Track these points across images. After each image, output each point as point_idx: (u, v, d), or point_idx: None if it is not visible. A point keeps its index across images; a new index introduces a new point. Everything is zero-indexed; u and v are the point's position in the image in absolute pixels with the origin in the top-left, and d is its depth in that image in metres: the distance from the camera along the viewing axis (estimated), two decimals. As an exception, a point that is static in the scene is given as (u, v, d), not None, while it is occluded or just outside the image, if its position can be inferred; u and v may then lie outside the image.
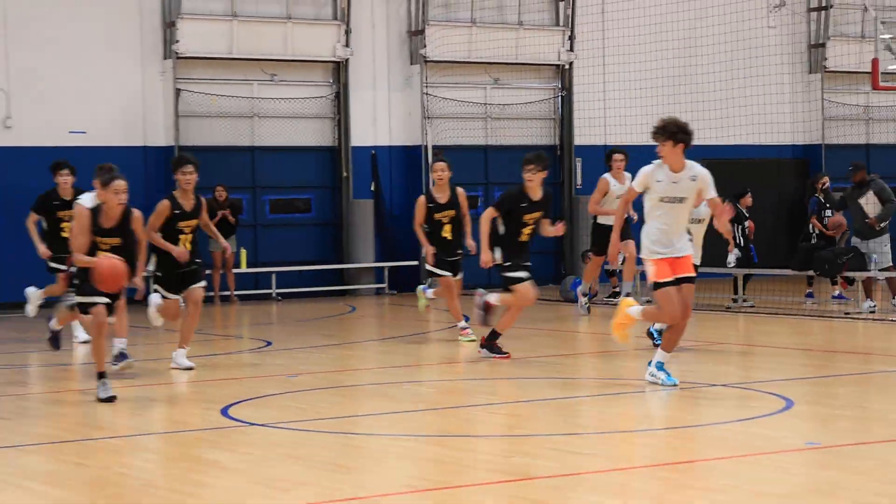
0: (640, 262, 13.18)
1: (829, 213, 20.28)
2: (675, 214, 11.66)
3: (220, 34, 23.26)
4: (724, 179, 15.61)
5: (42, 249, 16.27)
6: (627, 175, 17.56)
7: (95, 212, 12.03)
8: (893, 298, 18.64)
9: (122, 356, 13.28)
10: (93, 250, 11.84)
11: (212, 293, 21.55)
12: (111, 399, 11.49)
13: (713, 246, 15.87)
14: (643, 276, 13.93)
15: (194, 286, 13.73)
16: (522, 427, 10.63)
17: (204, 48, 23.03)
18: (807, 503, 7.60)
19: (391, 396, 12.21)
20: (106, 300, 11.74)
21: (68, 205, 15.79)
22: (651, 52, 25.16)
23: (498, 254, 14.19)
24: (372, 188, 24.68)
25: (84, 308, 12.00)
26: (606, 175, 18.23)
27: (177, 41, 22.61)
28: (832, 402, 11.07)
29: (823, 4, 26.98)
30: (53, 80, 22.08)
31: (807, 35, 27.19)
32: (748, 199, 20.44)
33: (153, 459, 9.48)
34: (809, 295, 20.57)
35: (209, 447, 9.84)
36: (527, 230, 14.18)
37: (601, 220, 18.10)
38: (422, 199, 16.23)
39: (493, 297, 14.34)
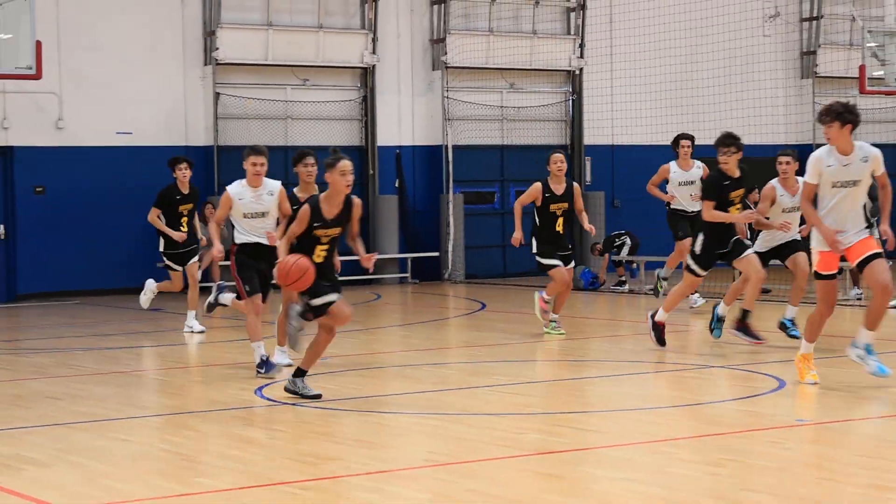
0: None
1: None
2: (848, 200, 10.45)
3: (257, 42, 23.25)
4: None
5: (178, 234, 15.81)
6: (695, 162, 16.96)
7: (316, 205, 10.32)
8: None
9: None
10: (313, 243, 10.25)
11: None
12: (317, 397, 10.43)
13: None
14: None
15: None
16: (535, 406, 10.62)
17: (242, 55, 23.02)
18: (797, 475, 7.59)
19: (414, 377, 12.18)
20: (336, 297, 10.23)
21: (188, 198, 15.90)
22: (655, 59, 25.12)
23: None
24: (396, 185, 24.69)
25: (319, 311, 10.26)
26: (672, 163, 16.90)
27: (216, 48, 22.59)
28: (822, 382, 11.01)
29: (814, 15, 26.92)
30: (102, 83, 22.08)
31: (799, 43, 27.13)
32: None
33: (193, 436, 9.47)
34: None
35: (244, 425, 9.85)
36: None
37: (675, 205, 16.81)
38: (538, 184, 14.64)
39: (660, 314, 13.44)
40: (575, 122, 25.74)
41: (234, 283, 12.43)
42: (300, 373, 10.44)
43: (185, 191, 15.94)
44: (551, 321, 14.91)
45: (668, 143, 17.38)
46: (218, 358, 13.93)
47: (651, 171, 17.06)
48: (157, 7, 22.67)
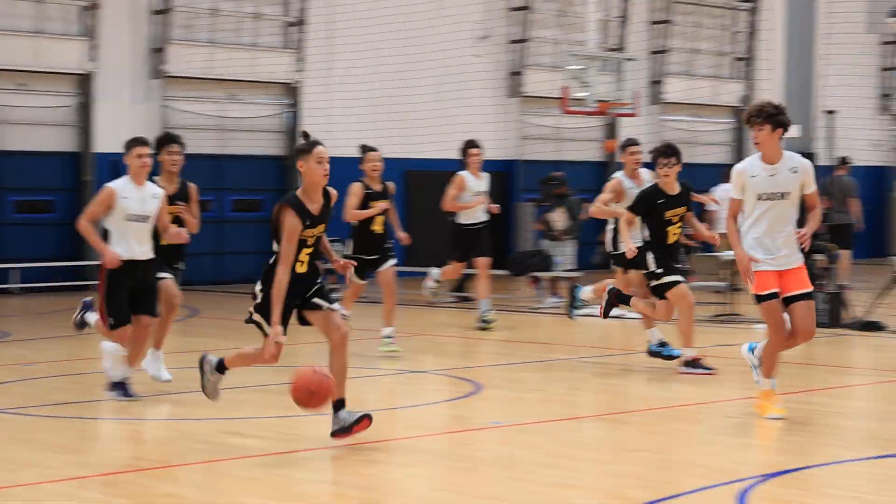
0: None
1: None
2: (776, 214, 9.14)
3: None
4: (438, 189, 15.83)
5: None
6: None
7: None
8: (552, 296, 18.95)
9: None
10: None
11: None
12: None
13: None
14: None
15: None
16: (246, 410, 10.45)
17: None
18: (486, 475, 7.71)
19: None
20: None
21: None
22: (371, 74, 25.32)
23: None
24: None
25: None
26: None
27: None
28: (517, 386, 11.24)
29: (521, 38, 27.58)
30: None
31: (507, 64, 27.73)
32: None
33: None
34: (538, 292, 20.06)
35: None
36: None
37: (464, 218, 15.44)
38: (357, 185, 13.16)
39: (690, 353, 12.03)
40: (293, 133, 25.63)
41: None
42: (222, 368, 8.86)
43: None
44: (385, 337, 13.41)
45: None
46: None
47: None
48: None
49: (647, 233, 12.01)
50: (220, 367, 8.82)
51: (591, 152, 28.13)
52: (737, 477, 7.43)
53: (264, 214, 23.00)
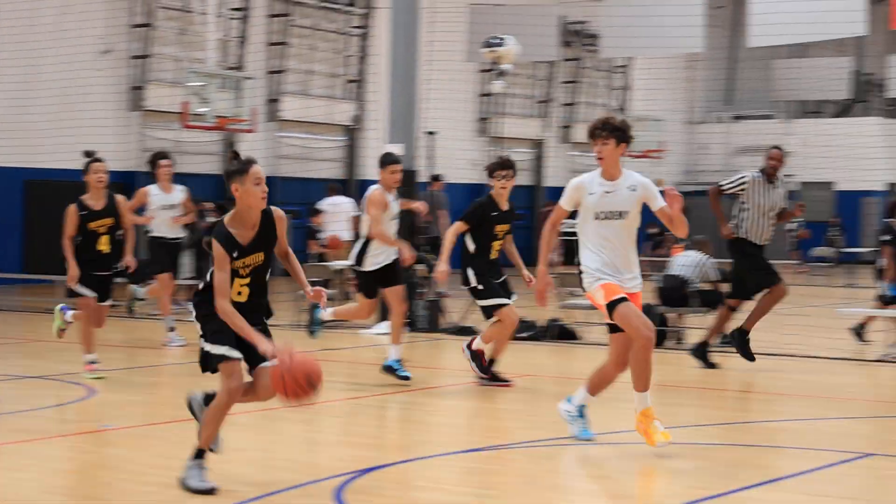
0: None
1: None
2: (614, 233, 8.24)
3: None
4: (59, 199, 15.03)
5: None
6: (177, 186, 14.56)
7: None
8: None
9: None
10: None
11: None
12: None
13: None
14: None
15: None
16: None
17: None
18: (89, 477, 7.57)
19: None
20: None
21: None
22: None
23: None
24: None
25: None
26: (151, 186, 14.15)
27: None
28: (126, 390, 11.06)
29: (144, 53, 27.09)
30: None
31: (129, 78, 27.16)
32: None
33: None
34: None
35: None
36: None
37: (155, 231, 14.38)
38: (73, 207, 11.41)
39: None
40: None
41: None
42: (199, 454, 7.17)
43: None
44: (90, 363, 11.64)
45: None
46: None
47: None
48: None
49: (472, 246, 11.21)
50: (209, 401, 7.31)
51: (210, 165, 27.95)
52: (334, 473, 7.57)
53: None
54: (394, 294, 11.36)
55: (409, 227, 16.46)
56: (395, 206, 11.45)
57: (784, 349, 14.11)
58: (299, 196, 27.25)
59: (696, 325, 14.50)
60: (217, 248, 6.93)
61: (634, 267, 8.28)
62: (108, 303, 11.59)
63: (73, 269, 11.23)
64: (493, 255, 11.24)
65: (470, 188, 30.65)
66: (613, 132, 8.19)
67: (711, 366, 12.77)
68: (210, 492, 6.91)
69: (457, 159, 30.06)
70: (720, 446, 8.75)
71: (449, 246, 11.20)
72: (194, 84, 23.09)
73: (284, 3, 29.67)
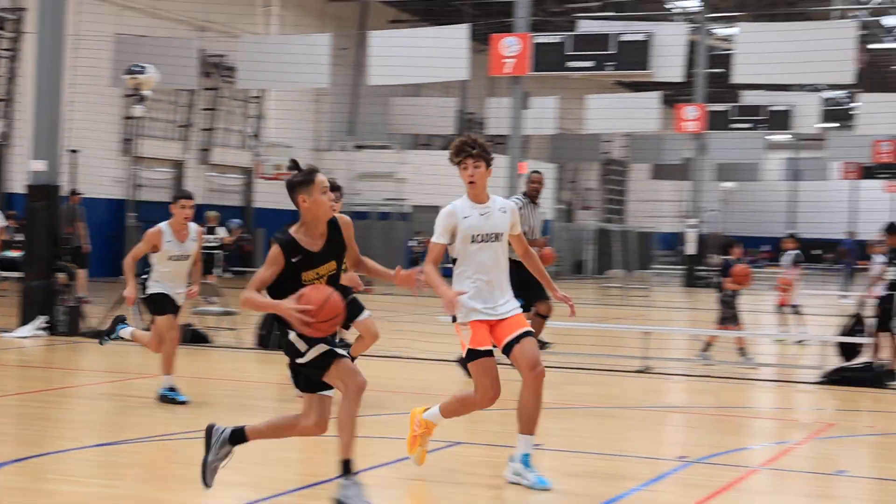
0: None
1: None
2: (492, 257, 7.38)
3: None
4: None
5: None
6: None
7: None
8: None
9: None
10: None
11: None
12: None
13: None
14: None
15: None
16: None
17: None
18: None
19: None
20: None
21: None
22: None
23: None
24: None
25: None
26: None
27: None
28: None
29: None
30: None
31: None
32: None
33: None
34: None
35: None
36: None
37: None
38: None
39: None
40: None
41: None
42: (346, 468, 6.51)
43: None
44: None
45: None
46: None
47: None
48: None
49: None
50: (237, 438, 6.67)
51: None
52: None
53: None
54: (164, 322, 10.49)
55: (54, 238, 16.12)
56: (176, 247, 10.50)
57: (393, 351, 14.64)
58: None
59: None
60: (275, 250, 6.34)
61: (508, 290, 7.43)
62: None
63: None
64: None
65: (114, 203, 30.05)
66: (485, 154, 7.32)
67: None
68: None
69: (102, 176, 29.43)
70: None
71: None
72: None
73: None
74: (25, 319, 15.87)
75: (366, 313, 10.49)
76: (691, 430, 10.43)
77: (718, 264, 16.34)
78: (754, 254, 51.54)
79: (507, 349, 7.29)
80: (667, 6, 40.84)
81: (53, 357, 13.09)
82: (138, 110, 19.44)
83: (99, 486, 7.27)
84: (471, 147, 7.28)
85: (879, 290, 14.18)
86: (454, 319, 7.33)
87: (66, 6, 17.08)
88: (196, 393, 10.78)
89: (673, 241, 47.63)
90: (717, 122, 33.58)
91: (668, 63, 26.66)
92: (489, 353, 7.25)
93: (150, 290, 10.54)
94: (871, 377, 12.91)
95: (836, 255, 44.81)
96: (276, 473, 7.67)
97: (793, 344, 18.15)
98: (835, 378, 13.30)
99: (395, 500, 7.36)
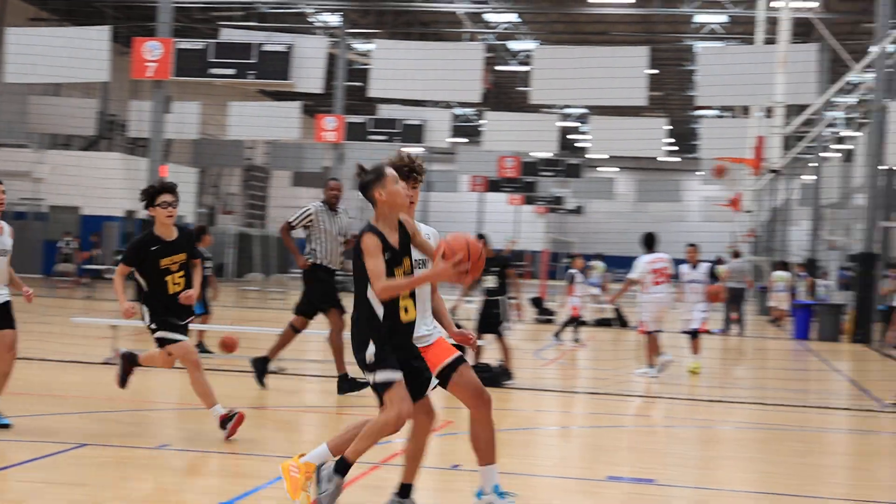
0: None
1: None
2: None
3: None
4: None
5: None
6: None
7: None
8: None
9: None
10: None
11: None
12: None
13: None
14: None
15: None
16: None
17: None
18: None
19: None
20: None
21: None
22: None
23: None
24: None
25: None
26: None
27: None
28: None
29: None
30: None
31: None
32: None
33: None
34: None
35: None
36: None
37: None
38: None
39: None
40: None
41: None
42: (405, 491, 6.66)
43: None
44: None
45: None
46: None
47: None
48: None
49: (144, 283, 9.35)
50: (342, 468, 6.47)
51: None
52: None
53: None
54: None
55: None
56: None
57: (24, 353, 14.15)
58: None
59: None
60: (372, 238, 6.18)
61: (430, 317, 6.85)
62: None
63: None
64: (172, 289, 9.34)
65: None
66: (422, 176, 6.91)
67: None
68: None
69: None
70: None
71: (119, 289, 9.25)
72: None
73: None
74: None
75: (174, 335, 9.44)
76: (323, 429, 10.74)
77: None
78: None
79: (445, 377, 6.87)
80: (309, 20, 41.39)
81: None
82: None
83: None
84: (415, 172, 6.85)
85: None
86: None
87: None
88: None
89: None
90: (356, 133, 34.36)
91: (309, 74, 27.16)
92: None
93: None
94: (490, 377, 13.71)
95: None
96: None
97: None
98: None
99: None
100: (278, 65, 26.32)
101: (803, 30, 35.79)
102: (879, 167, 26.41)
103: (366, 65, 33.70)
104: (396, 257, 6.32)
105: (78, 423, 9.77)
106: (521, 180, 46.22)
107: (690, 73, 44.11)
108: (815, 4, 31.93)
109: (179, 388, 12.54)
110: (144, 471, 8.03)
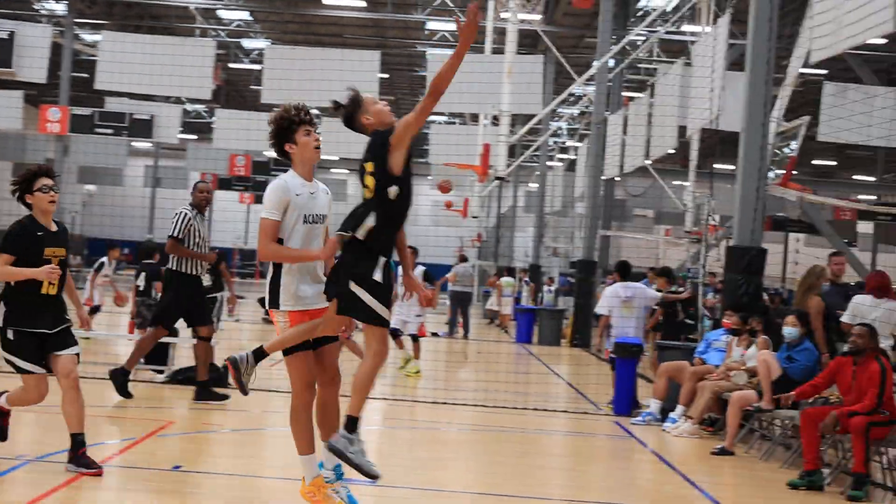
0: None
1: None
2: (314, 242, 6.75)
3: None
4: None
5: None
6: None
7: None
8: None
9: None
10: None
11: None
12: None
13: None
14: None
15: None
16: None
17: None
18: None
19: None
20: None
21: None
22: None
23: None
24: None
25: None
26: None
27: None
28: None
29: None
30: None
31: None
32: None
33: None
34: None
35: None
36: None
37: None
38: None
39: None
40: None
41: None
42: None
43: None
44: None
45: None
46: None
47: None
48: None
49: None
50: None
51: None
52: None
53: None
54: None
55: None
56: None
57: None
58: None
59: None
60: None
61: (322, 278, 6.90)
62: None
63: None
64: (48, 289, 7.93)
65: None
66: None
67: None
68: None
69: None
70: None
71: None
72: None
73: None
74: None
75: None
76: (40, 428, 10.29)
77: (77, 266, 16.64)
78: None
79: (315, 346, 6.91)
80: (34, 6, 39.60)
81: None
82: None
83: None
84: (309, 115, 6.89)
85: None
86: (269, 304, 6.81)
87: None
88: None
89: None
90: (81, 125, 33.07)
91: (32, 63, 26.03)
92: (307, 346, 6.81)
93: None
94: (217, 378, 13.49)
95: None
96: None
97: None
98: (179, 378, 13.87)
99: None
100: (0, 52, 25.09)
101: (530, 41, 37.13)
102: (600, 177, 27.69)
103: (93, 56, 32.51)
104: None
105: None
106: (253, 179, 45.80)
107: (422, 78, 44.98)
108: (540, 17, 33.16)
109: None
110: None
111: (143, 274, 16.43)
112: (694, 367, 13.33)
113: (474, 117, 34.11)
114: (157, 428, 10.55)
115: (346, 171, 68.37)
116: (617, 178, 30.37)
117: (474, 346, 25.67)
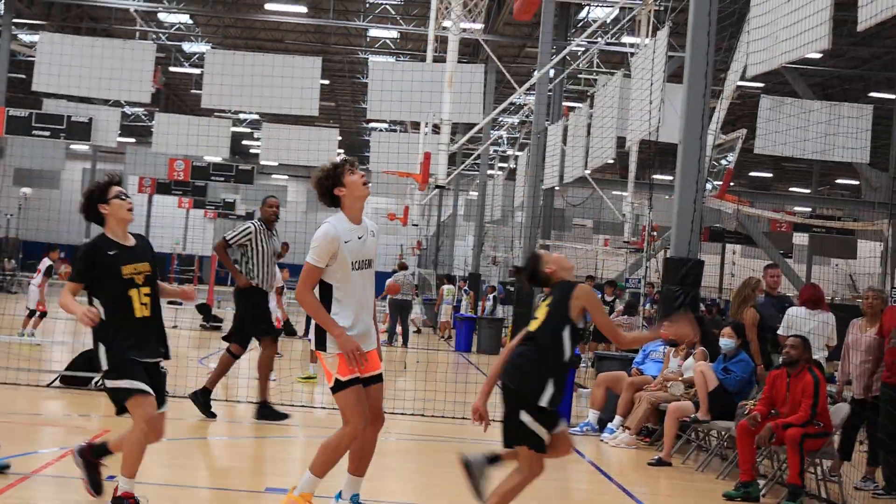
0: None
1: None
2: (367, 286, 6.88)
3: None
4: None
5: None
6: None
7: None
8: None
9: None
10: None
11: None
12: None
13: None
14: None
15: None
16: None
17: None
18: None
19: None
20: None
21: None
22: None
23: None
24: None
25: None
26: None
27: None
28: None
29: None
30: None
31: None
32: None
33: None
34: None
35: None
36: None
37: None
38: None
39: None
40: None
41: None
42: None
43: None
44: None
45: None
46: None
47: None
48: None
49: (101, 310, 6.76)
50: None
51: None
52: None
53: None
54: None
55: None
56: None
57: None
58: None
59: None
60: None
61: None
62: None
63: None
64: (141, 312, 6.91)
65: None
66: (351, 165, 6.88)
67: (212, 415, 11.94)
68: None
69: None
70: None
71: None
72: None
73: None
74: None
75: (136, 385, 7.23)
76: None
77: (12, 269, 16.48)
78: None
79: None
80: (-31, 5, 38.97)
81: None
82: None
83: None
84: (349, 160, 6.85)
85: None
86: (316, 346, 6.87)
87: None
88: None
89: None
90: (18, 126, 32.56)
91: (-34, 63, 25.53)
92: (356, 382, 6.91)
93: None
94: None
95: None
96: None
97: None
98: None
99: None
100: (-69, 51, 24.62)
101: (472, 50, 37.20)
102: (539, 187, 27.80)
103: (31, 57, 32.03)
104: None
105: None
106: (192, 184, 45.40)
107: (363, 85, 44.87)
108: (482, 27, 33.24)
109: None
110: None
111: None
112: (631, 378, 13.39)
113: (415, 125, 34.08)
114: (93, 437, 10.37)
115: (286, 177, 68.05)
116: (556, 188, 30.50)
117: (413, 355, 25.62)
